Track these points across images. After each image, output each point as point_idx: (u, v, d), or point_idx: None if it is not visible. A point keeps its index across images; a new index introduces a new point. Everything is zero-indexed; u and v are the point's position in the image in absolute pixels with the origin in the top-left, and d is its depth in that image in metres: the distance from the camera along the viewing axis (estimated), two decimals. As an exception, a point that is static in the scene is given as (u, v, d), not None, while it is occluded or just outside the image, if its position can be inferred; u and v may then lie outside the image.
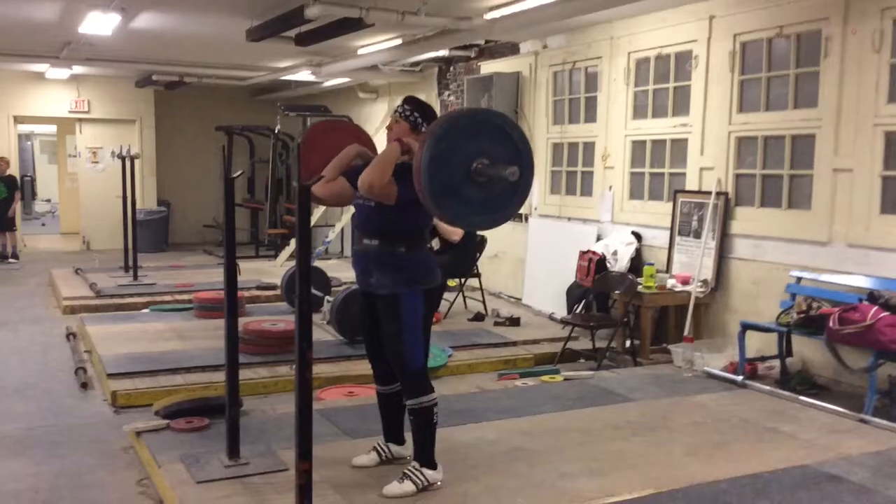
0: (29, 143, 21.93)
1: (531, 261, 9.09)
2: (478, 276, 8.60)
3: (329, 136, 4.31)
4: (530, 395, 5.58)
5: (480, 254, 8.46)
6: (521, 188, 3.58)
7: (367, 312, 4.01)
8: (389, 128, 3.99)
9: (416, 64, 11.31)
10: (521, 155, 3.55)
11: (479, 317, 8.17)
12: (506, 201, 3.58)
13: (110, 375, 5.92)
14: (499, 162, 3.44)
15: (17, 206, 13.62)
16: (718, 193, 6.88)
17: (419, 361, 3.84)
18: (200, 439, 4.55)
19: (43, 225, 19.38)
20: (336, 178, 3.99)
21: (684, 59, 7.34)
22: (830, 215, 6.04)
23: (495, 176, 3.42)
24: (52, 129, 18.51)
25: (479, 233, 8.01)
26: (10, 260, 12.94)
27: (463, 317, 8.16)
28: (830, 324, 5.38)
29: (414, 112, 3.93)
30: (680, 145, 7.42)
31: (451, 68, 10.98)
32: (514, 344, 7.22)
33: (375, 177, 3.70)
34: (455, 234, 7.11)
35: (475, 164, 3.43)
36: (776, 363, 6.11)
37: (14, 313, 8.82)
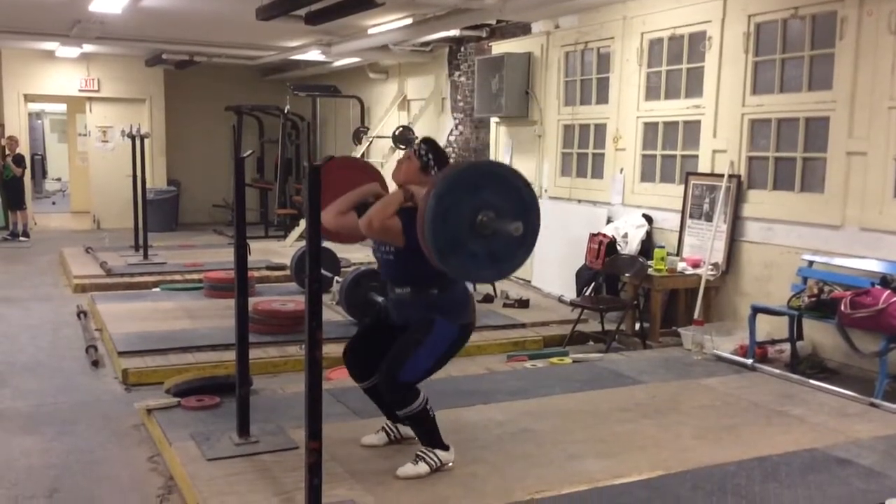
0: (39, 121, 21.96)
1: (541, 243, 9.00)
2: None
3: (343, 172, 4.29)
4: (539, 377, 5.59)
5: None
6: (528, 240, 3.53)
7: (385, 320, 4.02)
8: (400, 162, 4.00)
9: (427, 44, 11.25)
10: (529, 210, 3.51)
11: (488, 298, 8.17)
12: (512, 253, 3.53)
13: (121, 353, 5.95)
14: (504, 213, 3.40)
15: (27, 182, 13.68)
16: (731, 176, 6.84)
17: (410, 378, 3.77)
18: (211, 417, 4.58)
19: (53, 203, 19.45)
20: (349, 211, 3.99)
21: (698, 40, 7.27)
22: (843, 199, 6.00)
23: (500, 230, 3.38)
24: (63, 107, 18.53)
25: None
26: (21, 238, 13.00)
27: (472, 298, 8.15)
28: (842, 307, 5.35)
29: (428, 153, 3.93)
30: (692, 127, 7.36)
31: (462, 48, 10.92)
32: (524, 326, 7.22)
33: (375, 215, 3.71)
34: None
35: (480, 216, 3.39)
36: (786, 346, 6.09)
37: (25, 291, 8.87)
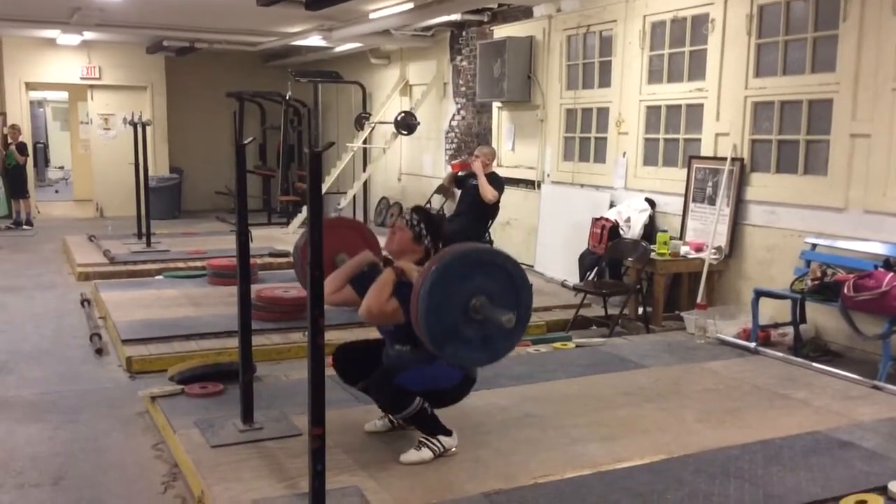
0: (41, 109, 21.93)
1: (543, 228, 9.06)
2: (490, 243, 8.56)
3: (339, 232, 4.31)
4: (542, 362, 5.59)
5: (493, 221, 8.42)
6: (516, 331, 3.52)
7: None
8: (392, 231, 4.02)
9: (429, 28, 11.21)
10: (520, 297, 3.51)
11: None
12: (506, 335, 3.52)
13: (125, 341, 5.96)
14: (496, 297, 3.40)
15: (29, 170, 13.69)
16: (734, 159, 6.82)
17: (409, 386, 3.76)
18: (215, 404, 4.59)
19: (56, 192, 19.45)
20: (343, 286, 4.02)
21: (700, 23, 7.23)
22: (847, 181, 5.98)
23: (492, 318, 3.39)
24: (64, 95, 18.50)
25: (492, 202, 7.99)
26: (25, 227, 13.02)
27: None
28: (845, 290, 5.34)
29: (420, 223, 3.94)
30: (695, 111, 7.33)
31: (464, 33, 10.87)
32: (527, 311, 7.20)
33: (373, 302, 3.71)
34: (489, 194, 7.23)
35: (473, 301, 3.39)
36: (789, 330, 6.09)
37: (29, 280, 8.89)
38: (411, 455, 3.80)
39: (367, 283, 3.89)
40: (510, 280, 3.51)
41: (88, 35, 12.85)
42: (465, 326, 3.42)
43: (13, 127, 13.43)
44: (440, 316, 3.37)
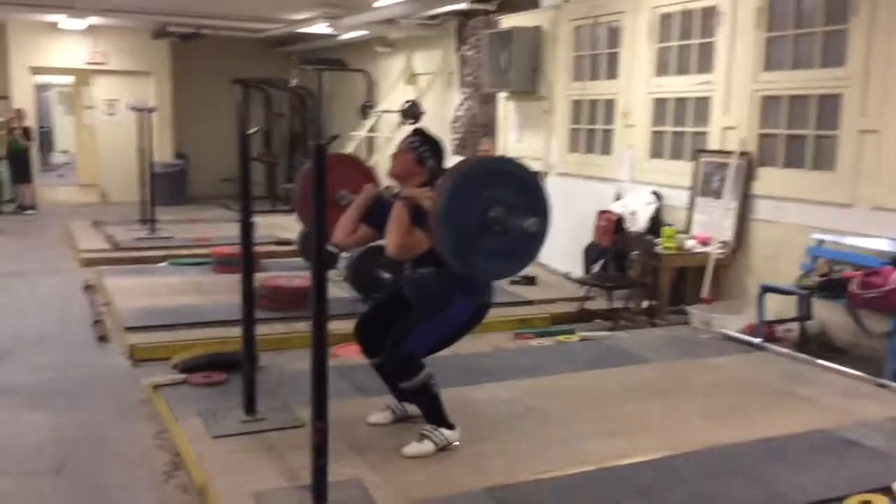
0: (46, 94, 21.89)
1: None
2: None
3: (338, 169, 4.27)
4: (546, 355, 5.58)
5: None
6: (538, 239, 3.49)
7: (395, 297, 4.02)
8: (395, 155, 3.97)
9: (435, 17, 11.14)
10: (538, 201, 3.46)
11: (495, 275, 8.12)
12: (526, 247, 3.49)
13: (128, 329, 5.96)
14: (515, 208, 3.35)
15: (34, 156, 13.68)
16: (741, 153, 6.77)
17: (417, 349, 3.77)
18: (218, 394, 4.58)
19: (60, 176, 19.43)
20: (357, 227, 4.00)
21: (710, 15, 7.17)
22: (855, 177, 5.93)
23: (513, 226, 3.35)
24: (70, 79, 18.46)
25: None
26: (28, 211, 13.02)
27: (479, 275, 8.12)
28: (852, 287, 5.31)
29: (422, 146, 3.89)
30: (703, 104, 7.28)
31: (470, 22, 10.80)
32: (531, 303, 7.19)
33: (397, 238, 3.68)
34: None
35: (491, 213, 3.35)
36: (795, 326, 6.06)
37: (33, 265, 8.89)
38: (413, 448, 3.79)
39: (376, 218, 3.90)
40: (524, 185, 3.45)
41: (94, 20, 12.81)
42: (487, 240, 3.37)
43: (17, 111, 13.41)
44: (461, 234, 3.33)
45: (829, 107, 6.19)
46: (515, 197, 3.40)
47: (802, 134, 6.42)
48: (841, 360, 5.52)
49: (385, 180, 4.31)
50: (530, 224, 3.31)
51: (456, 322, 3.83)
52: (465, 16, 10.85)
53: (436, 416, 3.85)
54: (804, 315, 6.00)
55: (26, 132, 13.27)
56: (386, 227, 3.76)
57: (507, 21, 9.73)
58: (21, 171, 13.26)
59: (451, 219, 3.31)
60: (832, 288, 5.59)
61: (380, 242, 5.38)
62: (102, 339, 6.06)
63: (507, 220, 3.34)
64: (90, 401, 4.80)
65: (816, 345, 5.91)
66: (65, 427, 4.38)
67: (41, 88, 20.06)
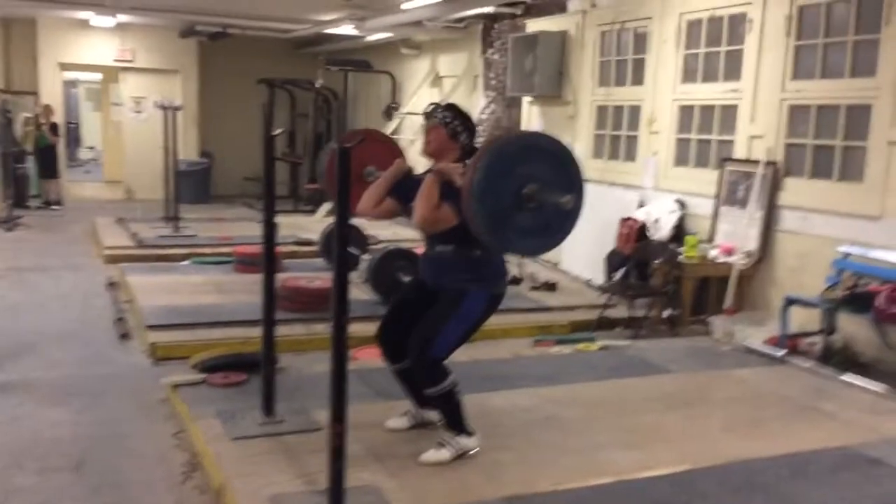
0: (74, 90, 22.11)
1: (571, 225, 8.97)
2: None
3: (366, 145, 4.25)
4: (566, 363, 5.55)
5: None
6: (574, 215, 3.45)
7: (413, 295, 4.00)
8: (427, 130, 3.93)
9: (461, 20, 11.14)
10: (573, 177, 3.42)
11: (515, 281, 8.09)
12: (559, 225, 3.46)
13: (149, 327, 5.99)
14: (550, 184, 3.31)
15: (61, 152, 13.82)
16: (767, 163, 6.70)
17: (441, 354, 3.77)
18: (236, 394, 4.59)
19: (87, 172, 19.62)
20: (384, 200, 3.95)
21: (738, 22, 7.10)
22: (884, 189, 5.85)
23: (548, 203, 3.30)
24: (97, 76, 18.63)
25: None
26: (54, 207, 13.15)
27: (500, 279, 8.09)
28: (878, 302, 5.24)
29: (455, 120, 3.85)
30: (729, 112, 7.21)
31: (496, 26, 10.78)
32: (551, 310, 7.16)
33: (425, 211, 3.66)
34: None
35: (526, 189, 3.30)
36: (818, 339, 5.98)
37: (57, 260, 8.97)
38: (431, 455, 3.78)
39: (403, 192, 3.86)
40: (559, 161, 3.41)
41: (122, 17, 12.91)
42: (521, 217, 3.33)
43: (46, 107, 13.55)
44: (495, 210, 3.29)
45: (858, 117, 6.11)
46: (550, 173, 3.35)
47: (830, 144, 6.34)
48: (865, 376, 5.44)
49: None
50: (566, 200, 3.26)
51: (472, 316, 3.80)
52: (491, 19, 10.83)
53: (457, 422, 3.83)
54: (828, 329, 5.92)
55: (54, 128, 13.41)
56: (413, 201, 3.72)
57: (533, 25, 9.70)
58: (48, 166, 13.40)
59: (484, 195, 3.26)
60: (858, 302, 5.51)
61: (400, 246, 5.39)
62: (124, 336, 6.10)
63: (542, 197, 3.29)
64: (110, 398, 4.83)
65: (840, 359, 5.82)
66: (85, 424, 4.41)
67: (69, 85, 20.27)
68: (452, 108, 3.92)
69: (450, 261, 3.79)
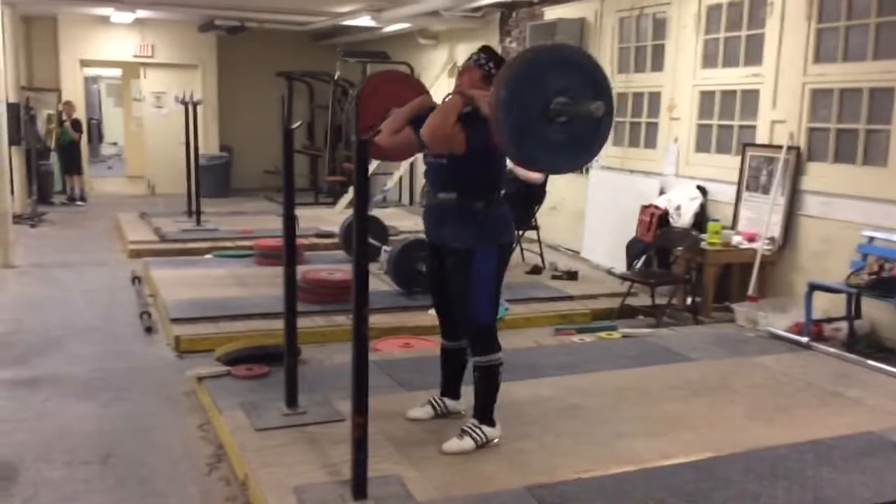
0: (95, 86, 22.29)
1: (591, 214, 8.95)
2: (536, 228, 8.50)
3: (388, 87, 4.23)
4: (587, 352, 5.53)
5: (540, 206, 8.36)
6: (604, 126, 3.38)
7: (436, 268, 3.97)
8: (461, 73, 3.89)
9: (478, 9, 11.09)
10: (601, 87, 3.34)
11: (536, 270, 8.10)
12: (587, 141, 3.38)
13: (173, 320, 6.04)
14: (579, 97, 3.22)
15: (84, 148, 13.96)
16: (790, 148, 6.64)
17: (487, 318, 3.79)
18: (260, 386, 4.62)
19: (109, 168, 19.79)
20: (403, 128, 3.88)
21: (758, 6, 7.03)
22: (908, 173, 5.78)
23: (577, 113, 3.21)
24: (118, 72, 18.77)
25: (538, 184, 7.92)
26: (78, 202, 13.28)
27: (520, 269, 8.08)
28: (904, 286, 5.18)
29: (490, 62, 3.81)
30: (751, 97, 7.15)
31: (514, 14, 10.74)
32: (572, 298, 7.14)
33: (437, 122, 3.62)
34: (532, 175, 7.12)
35: (554, 103, 3.22)
36: (843, 325, 5.93)
37: (82, 255, 9.06)
38: (453, 444, 3.78)
39: (423, 125, 3.77)
40: (586, 72, 3.33)
41: (141, 13, 12.99)
42: (549, 130, 3.26)
43: (67, 104, 13.67)
44: (521, 121, 3.21)
45: (881, 100, 6.04)
46: (579, 83, 3.27)
47: (853, 128, 6.27)
48: (891, 361, 5.39)
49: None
50: (597, 106, 3.18)
51: (488, 274, 3.75)
52: (508, 7, 10.78)
53: (488, 407, 3.83)
54: (853, 314, 5.87)
55: (76, 125, 13.53)
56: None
57: (551, 12, 9.67)
58: (71, 162, 13.53)
59: (511, 105, 3.18)
60: (883, 286, 5.47)
61: (420, 237, 5.36)
62: (149, 330, 6.15)
63: (572, 108, 3.21)
64: (136, 391, 4.88)
65: (865, 345, 5.77)
66: (111, 417, 4.46)
67: (91, 81, 20.44)
68: (487, 50, 3.90)
69: (451, 211, 3.76)
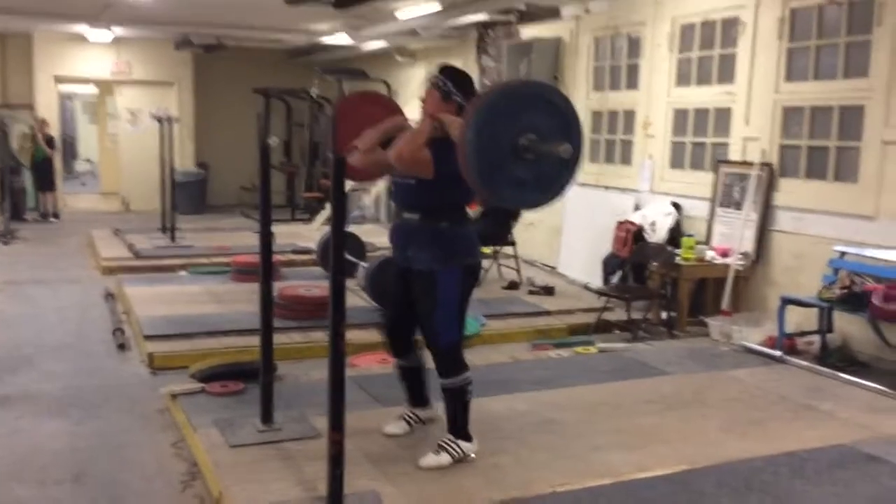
0: (70, 102, 22.11)
1: (567, 230, 9.00)
2: (513, 244, 8.53)
3: (366, 108, 4.24)
4: (564, 367, 5.55)
5: (516, 222, 8.39)
6: (572, 164, 3.38)
7: (400, 287, 3.98)
8: (423, 98, 3.92)
9: (455, 28, 11.16)
10: (571, 129, 3.35)
11: (513, 285, 8.13)
12: (556, 178, 3.37)
13: (147, 337, 5.99)
14: (548, 137, 3.23)
15: (57, 165, 13.84)
16: (762, 164, 6.72)
17: (453, 339, 3.81)
18: (235, 403, 4.59)
19: (83, 184, 19.61)
20: (374, 148, 3.87)
21: (731, 25, 7.14)
22: (878, 189, 5.87)
23: (545, 153, 3.23)
24: (94, 89, 18.65)
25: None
26: (51, 219, 13.15)
27: (497, 285, 8.12)
28: (874, 300, 5.25)
29: (447, 82, 3.83)
30: (724, 114, 7.25)
31: (491, 32, 10.81)
32: (549, 313, 7.17)
33: (405, 147, 3.65)
34: None
35: (522, 140, 3.22)
36: (816, 339, 6.00)
37: (54, 272, 8.97)
38: (430, 459, 3.78)
39: None
40: (557, 112, 3.31)
41: (117, 31, 12.94)
42: (517, 168, 3.23)
43: (42, 120, 13.57)
44: (490, 160, 3.18)
45: (851, 118, 6.14)
46: (548, 122, 3.25)
47: (824, 145, 6.37)
48: (863, 374, 5.45)
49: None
50: (565, 149, 3.18)
51: (452, 296, 3.76)
52: (485, 26, 10.85)
53: (460, 424, 3.84)
54: (826, 328, 5.94)
55: (50, 141, 13.42)
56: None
57: (528, 31, 9.74)
58: (44, 179, 13.42)
59: (479, 142, 3.16)
60: (854, 301, 5.53)
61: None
62: (122, 347, 6.10)
63: (540, 148, 3.21)
64: (109, 409, 4.83)
65: (838, 358, 5.84)
66: (83, 435, 4.41)
67: (66, 98, 20.28)
68: (446, 71, 3.92)
69: (416, 230, 3.79)
